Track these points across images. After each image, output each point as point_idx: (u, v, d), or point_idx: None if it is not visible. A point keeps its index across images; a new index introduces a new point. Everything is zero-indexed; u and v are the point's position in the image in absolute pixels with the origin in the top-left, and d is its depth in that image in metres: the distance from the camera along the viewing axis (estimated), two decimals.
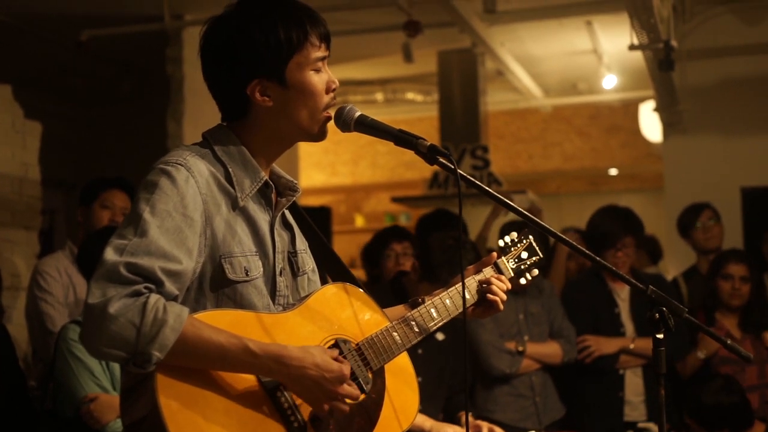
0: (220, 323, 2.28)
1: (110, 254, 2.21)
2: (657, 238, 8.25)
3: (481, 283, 2.83)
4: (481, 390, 5.35)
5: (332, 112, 2.56)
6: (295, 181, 2.64)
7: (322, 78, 2.52)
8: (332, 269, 2.77)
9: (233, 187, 2.44)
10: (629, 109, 12.61)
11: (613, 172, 13.99)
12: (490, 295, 2.81)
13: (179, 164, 2.36)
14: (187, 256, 2.30)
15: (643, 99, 11.08)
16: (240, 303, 2.41)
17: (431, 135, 11.93)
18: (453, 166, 2.49)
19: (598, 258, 2.69)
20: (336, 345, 2.49)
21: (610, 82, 11.24)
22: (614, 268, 2.72)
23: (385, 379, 2.58)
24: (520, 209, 2.58)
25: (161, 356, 2.16)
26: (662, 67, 6.67)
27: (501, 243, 3.06)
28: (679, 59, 7.67)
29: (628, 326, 5.56)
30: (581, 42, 10.21)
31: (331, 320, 2.54)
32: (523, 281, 3.04)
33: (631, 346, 5.46)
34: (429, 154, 2.52)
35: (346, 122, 2.57)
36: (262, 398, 2.34)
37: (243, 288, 2.41)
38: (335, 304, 2.59)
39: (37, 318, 5.19)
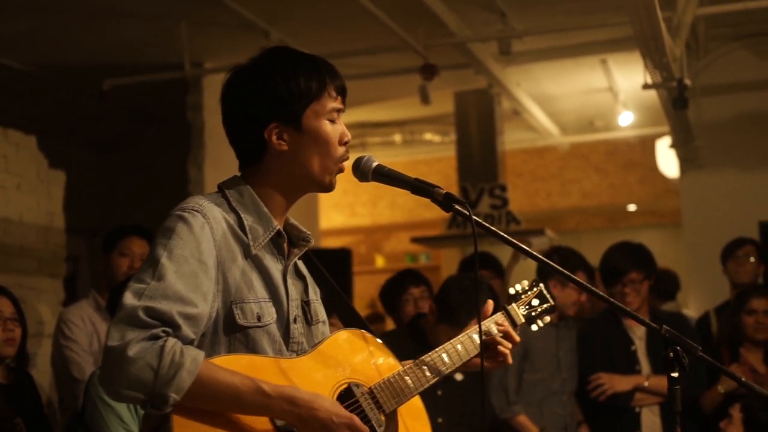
0: (236, 367, 2.34)
1: (129, 298, 2.29)
2: (674, 273, 8.26)
3: (493, 329, 2.89)
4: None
5: (344, 165, 2.63)
6: (308, 232, 2.70)
7: (336, 129, 2.60)
8: (344, 315, 2.84)
9: (246, 236, 2.51)
10: (646, 145, 12.65)
11: (632, 208, 14.00)
12: (500, 348, 2.87)
13: (195, 210, 2.44)
14: (203, 301, 2.36)
15: (659, 135, 11.12)
16: (252, 348, 2.46)
17: (449, 175, 12.01)
18: (468, 213, 2.55)
19: (611, 299, 2.74)
20: (349, 389, 2.55)
21: (626, 119, 11.28)
22: (628, 309, 2.77)
23: (398, 421, 2.63)
24: (533, 252, 2.64)
25: (178, 398, 2.23)
26: (676, 105, 6.73)
27: (512, 291, 3.13)
28: (693, 96, 7.74)
29: (645, 364, 5.57)
30: (597, 80, 10.28)
31: (343, 365, 2.59)
32: (534, 327, 3.10)
33: (646, 383, 5.48)
34: (445, 202, 2.59)
35: (364, 172, 2.64)
36: None
37: (255, 333, 2.47)
38: (347, 349, 2.64)
39: (63, 366, 5.27)
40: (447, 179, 12.43)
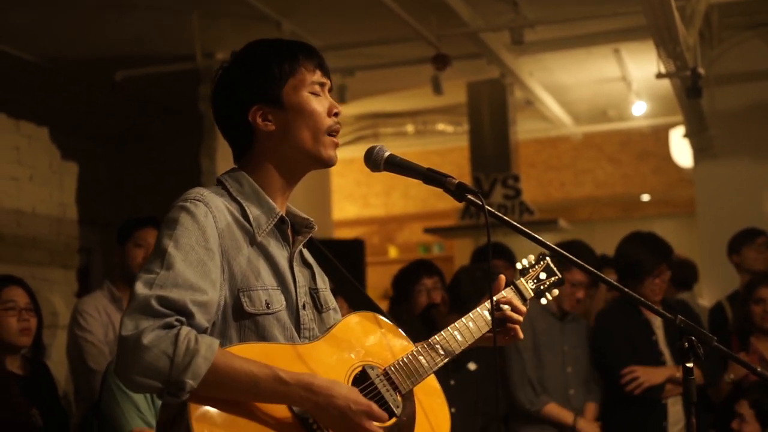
0: (251, 354, 2.34)
1: (140, 288, 2.29)
2: (693, 263, 8.24)
3: (500, 303, 2.87)
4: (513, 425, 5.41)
5: (337, 138, 2.63)
6: (311, 219, 2.71)
7: (321, 101, 2.61)
8: (355, 300, 2.84)
9: (250, 224, 2.52)
10: (660, 135, 12.61)
11: (646, 198, 13.96)
12: (510, 324, 2.86)
13: (197, 200, 2.45)
14: (212, 288, 2.37)
15: (673, 125, 11.09)
16: (263, 336, 2.47)
17: (462, 165, 11.99)
18: (481, 203, 2.54)
19: (628, 290, 2.73)
20: (364, 371, 2.55)
21: (639, 108, 11.25)
22: (643, 299, 2.76)
23: (414, 401, 2.62)
24: (545, 242, 2.63)
25: (195, 384, 2.23)
26: (690, 94, 6.70)
27: (519, 265, 3.12)
28: (707, 85, 7.71)
29: (666, 354, 5.53)
30: (610, 69, 10.25)
31: (357, 348, 2.59)
32: (544, 301, 3.10)
33: (678, 374, 5.43)
34: (457, 191, 2.57)
35: (376, 162, 2.63)
36: (295, 429, 2.39)
37: (264, 321, 2.48)
38: (360, 332, 2.64)
39: (79, 357, 5.28)
40: (460, 169, 12.42)
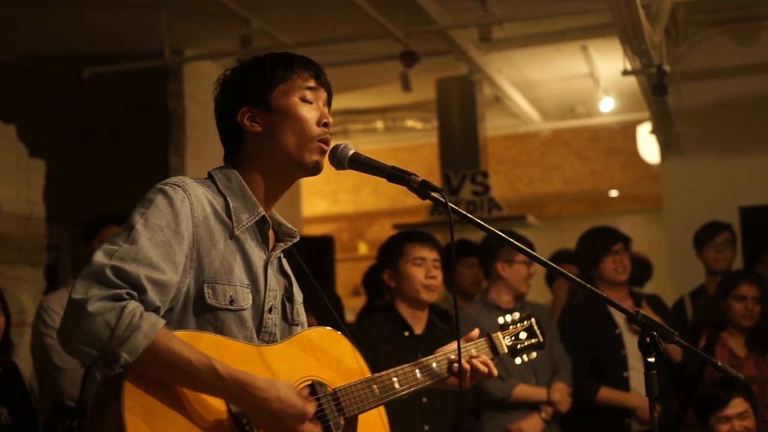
0: (198, 343, 2.34)
1: (99, 256, 2.30)
2: (648, 260, 8.30)
3: (470, 357, 2.90)
4: (487, 411, 5.39)
5: (326, 147, 2.63)
6: (294, 229, 2.72)
7: (311, 109, 2.62)
8: (323, 316, 2.85)
9: (231, 219, 2.53)
10: (627, 131, 12.69)
11: (614, 193, 14.05)
12: (473, 373, 2.88)
13: (177, 185, 2.47)
14: (173, 270, 2.37)
15: (640, 121, 11.16)
16: (220, 330, 2.46)
17: (432, 162, 12.03)
18: (444, 201, 2.56)
19: (590, 286, 2.76)
20: (312, 386, 2.53)
21: (607, 105, 11.32)
22: (604, 295, 2.79)
23: (357, 428, 2.60)
24: (509, 239, 2.66)
25: (129, 359, 2.22)
26: (655, 91, 6.75)
27: (501, 320, 3.12)
28: (673, 81, 7.76)
29: (630, 346, 5.56)
30: (578, 66, 10.30)
31: (311, 362, 2.58)
32: (518, 361, 3.10)
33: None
34: (421, 189, 2.58)
35: (340, 160, 2.65)
36: (228, 426, 2.38)
37: (224, 316, 2.47)
38: (319, 347, 2.63)
39: (44, 354, 5.25)
40: (429, 166, 12.46)
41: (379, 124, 12.47)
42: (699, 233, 6.82)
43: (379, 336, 4.64)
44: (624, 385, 5.54)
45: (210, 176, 2.63)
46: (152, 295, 2.32)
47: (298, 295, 2.74)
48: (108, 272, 2.26)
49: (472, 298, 6.23)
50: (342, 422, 2.57)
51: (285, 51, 2.72)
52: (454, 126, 10.55)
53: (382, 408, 2.72)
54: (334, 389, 2.57)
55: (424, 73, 9.36)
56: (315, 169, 2.64)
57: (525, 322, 3.13)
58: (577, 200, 14.28)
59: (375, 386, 2.65)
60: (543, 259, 2.71)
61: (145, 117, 9.98)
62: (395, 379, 2.72)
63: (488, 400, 5.34)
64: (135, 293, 2.28)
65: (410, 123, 12.51)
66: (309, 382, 2.54)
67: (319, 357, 2.61)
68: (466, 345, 2.93)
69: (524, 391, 5.32)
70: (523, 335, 3.10)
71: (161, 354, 2.26)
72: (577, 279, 2.73)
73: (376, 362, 4.48)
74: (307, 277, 2.81)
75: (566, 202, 14.35)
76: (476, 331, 2.99)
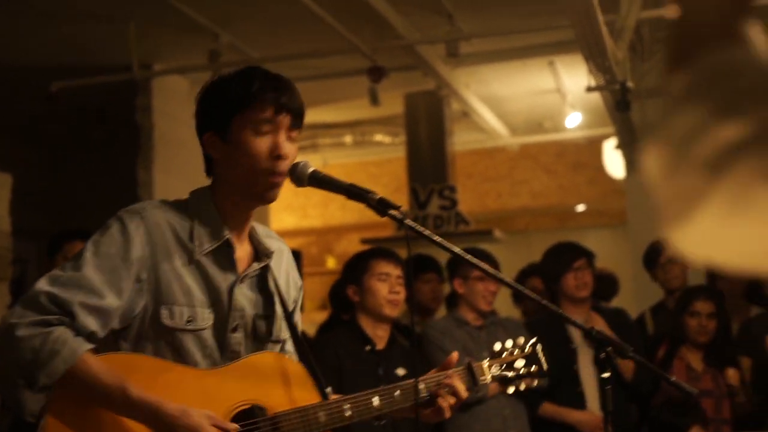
0: (118, 364, 2.41)
1: (41, 282, 2.40)
2: (614, 276, 8.37)
3: (442, 383, 2.84)
4: (452, 419, 5.40)
5: (279, 179, 2.65)
6: (272, 250, 2.75)
7: (263, 141, 2.61)
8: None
9: (193, 242, 2.58)
10: (594, 147, 12.77)
11: (581, 208, 14.13)
12: (440, 401, 2.82)
13: (135, 212, 2.54)
14: (116, 295, 2.44)
15: (607, 136, 11.24)
16: (178, 351, 2.52)
17: (400, 176, 12.07)
18: (401, 218, 2.60)
19: (543, 301, 2.80)
20: (252, 409, 2.55)
21: (574, 120, 11.40)
22: (555, 308, 2.84)
23: None
24: (463, 254, 2.70)
25: (48, 382, 2.31)
26: (619, 107, 6.82)
27: (496, 347, 3.08)
28: (638, 98, 7.83)
29: (583, 363, 5.60)
30: (545, 82, 10.37)
31: (254, 386, 2.58)
32: (511, 390, 3.04)
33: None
34: (379, 207, 2.63)
35: (299, 178, 2.68)
36: None
37: (182, 336, 2.53)
38: (267, 371, 2.63)
39: None
40: (398, 180, 12.50)
41: (348, 139, 12.49)
42: (645, 255, 6.84)
43: (342, 350, 4.68)
44: (577, 400, 5.58)
45: (190, 196, 2.69)
46: (84, 319, 2.39)
47: (280, 310, 2.75)
48: (42, 298, 2.35)
49: (432, 314, 6.26)
50: None
51: (255, 66, 2.71)
52: (422, 141, 10.60)
53: None
54: (275, 414, 2.56)
55: (393, 88, 9.40)
56: (268, 201, 2.69)
57: (526, 350, 3.06)
58: (544, 215, 14.35)
59: (321, 413, 2.62)
60: (497, 274, 2.76)
61: (113, 131, 9.96)
62: (347, 407, 2.68)
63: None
64: (67, 319, 2.36)
65: (379, 137, 12.54)
66: (248, 406, 2.55)
67: (264, 381, 2.61)
68: (435, 376, 2.87)
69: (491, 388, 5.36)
70: (520, 363, 3.03)
71: (79, 378, 2.34)
72: (530, 293, 2.78)
73: (338, 375, 4.53)
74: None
75: (534, 217, 14.41)
76: (455, 356, 2.94)
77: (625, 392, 5.67)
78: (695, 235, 0.70)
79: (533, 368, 3.05)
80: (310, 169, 2.69)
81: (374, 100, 8.70)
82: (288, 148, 2.65)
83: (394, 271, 4.78)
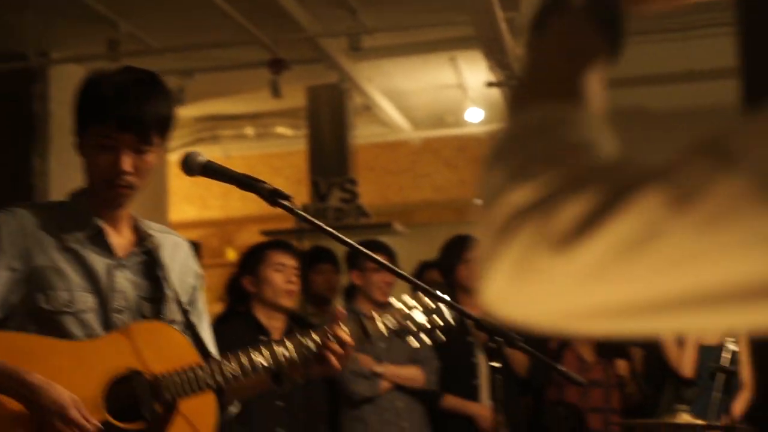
0: (5, 344, 2.52)
1: None
2: None
3: (327, 334, 2.83)
4: (346, 411, 5.43)
5: (123, 191, 2.71)
6: (151, 234, 2.83)
7: (106, 156, 2.69)
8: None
9: (67, 232, 2.68)
10: None
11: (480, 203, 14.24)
12: (328, 354, 2.81)
13: (5, 210, 2.68)
14: None
15: None
16: (61, 333, 2.58)
17: (302, 169, 12.03)
18: (292, 209, 2.62)
19: (436, 292, 2.84)
20: (128, 375, 2.60)
21: (475, 115, 11.49)
22: (447, 299, 2.88)
23: (175, 413, 2.63)
24: (353, 244, 2.72)
25: None
26: None
27: (395, 301, 3.02)
28: None
29: (482, 355, 5.68)
30: (446, 77, 10.43)
31: (133, 353, 2.62)
32: (415, 343, 2.98)
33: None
34: (270, 197, 2.64)
35: (191, 168, 2.70)
36: (23, 420, 2.48)
37: (63, 318, 2.59)
38: (144, 339, 2.67)
39: None
40: (300, 173, 12.47)
41: (249, 131, 12.42)
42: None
43: (237, 341, 4.67)
44: (473, 391, 5.65)
45: (69, 195, 2.82)
46: None
47: (170, 291, 2.79)
48: None
49: (327, 304, 6.28)
50: (159, 408, 2.61)
51: (113, 73, 2.74)
52: (324, 134, 10.58)
53: (210, 395, 2.71)
54: (154, 377, 2.61)
55: (295, 81, 9.37)
56: (117, 207, 2.77)
57: (426, 303, 2.98)
58: (446, 208, 14.43)
59: (200, 371, 2.67)
60: (391, 265, 2.78)
61: (8, 119, 9.77)
62: (229, 363, 2.72)
63: (358, 401, 5.39)
64: None
65: (281, 130, 12.50)
66: (126, 372, 2.60)
67: (142, 348, 2.64)
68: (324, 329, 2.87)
69: (392, 372, 5.40)
70: (421, 316, 2.97)
71: None
72: (421, 284, 2.81)
73: None
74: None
75: (435, 210, 14.49)
76: (341, 310, 2.96)
77: (518, 386, 5.76)
78: (493, 295, 0.75)
79: (434, 321, 2.99)
80: (202, 159, 2.70)
81: (276, 92, 8.67)
82: (134, 163, 2.70)
83: (290, 261, 4.83)
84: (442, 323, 3.00)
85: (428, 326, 2.98)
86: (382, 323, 2.94)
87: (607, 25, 0.92)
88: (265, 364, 2.76)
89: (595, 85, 0.89)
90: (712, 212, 0.66)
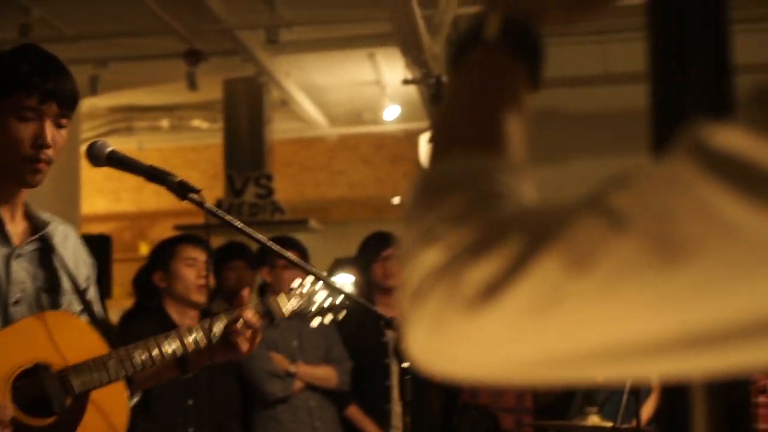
0: None
1: None
2: None
3: (233, 318, 2.79)
4: (259, 410, 5.38)
5: (41, 166, 2.57)
6: (47, 220, 2.70)
7: (27, 128, 2.55)
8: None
9: None
10: (412, 140, 12.89)
11: (397, 200, 14.26)
12: (235, 337, 2.78)
13: None
14: None
15: (424, 130, 11.36)
16: None
17: (218, 163, 11.93)
18: (201, 202, 2.55)
19: (346, 290, 2.79)
20: (34, 369, 2.50)
21: (392, 112, 11.48)
22: (358, 298, 2.83)
23: (87, 405, 2.57)
24: (264, 240, 2.66)
25: None
26: (433, 100, 6.91)
27: (296, 282, 3.00)
28: None
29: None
30: (365, 73, 10.42)
31: (36, 346, 2.54)
32: (315, 323, 2.99)
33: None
34: (179, 190, 2.57)
35: (97, 157, 2.62)
36: None
37: None
38: (49, 330, 2.58)
39: None
40: (215, 167, 12.36)
41: (164, 123, 12.28)
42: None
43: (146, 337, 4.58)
44: (386, 392, 5.62)
45: None
46: None
47: (68, 285, 2.70)
48: None
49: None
50: (69, 400, 2.53)
51: (28, 46, 2.65)
52: (240, 127, 10.49)
53: (121, 386, 2.65)
54: (62, 369, 2.53)
55: (212, 73, 9.27)
56: (31, 185, 2.62)
57: (322, 284, 2.97)
58: (362, 206, 14.44)
59: (110, 362, 2.59)
60: (301, 262, 2.73)
61: None
62: (136, 353, 2.64)
63: (271, 402, 5.33)
64: None
65: (197, 123, 12.38)
66: (32, 365, 2.51)
67: (47, 340, 2.56)
68: (225, 318, 2.81)
69: (305, 371, 5.36)
70: (319, 296, 2.96)
71: None
72: (332, 282, 2.76)
73: None
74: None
75: (352, 208, 14.49)
76: (246, 292, 2.93)
77: (430, 388, 5.74)
78: (416, 351, 0.77)
79: (335, 300, 2.98)
80: (109, 149, 2.62)
81: (192, 84, 8.58)
82: (53, 136, 2.59)
83: (202, 256, 4.75)
84: (343, 302, 3.01)
85: (330, 305, 2.99)
86: (286, 304, 2.94)
87: (526, 55, 0.90)
88: (176, 351, 2.70)
89: (517, 125, 0.86)
90: (609, 275, 0.68)
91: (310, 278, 2.97)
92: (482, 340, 0.73)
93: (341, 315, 3.01)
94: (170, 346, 2.70)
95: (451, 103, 0.91)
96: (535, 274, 0.70)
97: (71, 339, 2.61)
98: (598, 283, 0.68)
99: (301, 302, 2.97)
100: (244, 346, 2.79)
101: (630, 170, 0.72)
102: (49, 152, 2.57)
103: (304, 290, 2.98)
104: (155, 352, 2.67)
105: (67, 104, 2.60)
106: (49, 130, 2.56)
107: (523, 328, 0.71)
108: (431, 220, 0.78)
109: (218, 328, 2.78)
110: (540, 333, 0.71)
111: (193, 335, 2.75)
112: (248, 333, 2.80)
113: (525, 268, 0.71)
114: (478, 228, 0.75)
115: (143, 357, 2.64)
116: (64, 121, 2.60)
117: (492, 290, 0.72)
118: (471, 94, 0.90)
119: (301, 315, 2.98)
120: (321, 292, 2.98)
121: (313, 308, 2.98)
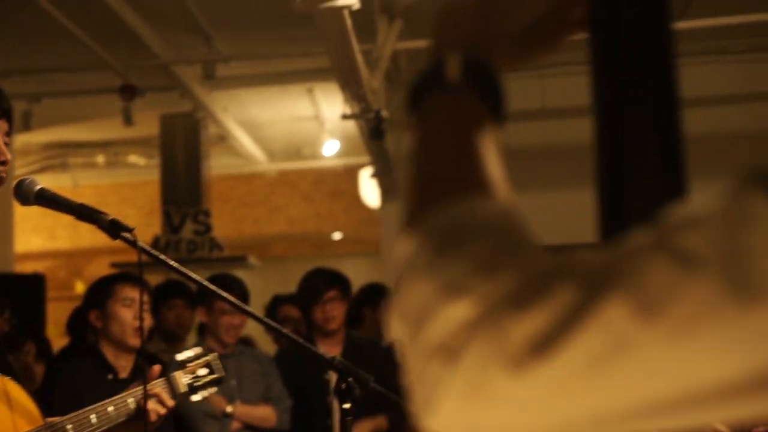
0: None
1: None
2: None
3: (148, 395, 2.83)
4: None
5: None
6: None
7: None
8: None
9: None
10: (351, 175, 12.88)
11: (337, 236, 14.23)
12: (150, 412, 2.84)
13: None
14: None
15: (363, 165, 11.34)
16: None
17: (154, 199, 11.80)
18: (134, 241, 2.49)
19: (286, 331, 2.74)
20: None
21: (331, 148, 11.46)
22: (298, 338, 2.78)
23: None
24: (199, 279, 2.60)
25: None
26: (373, 136, 6.87)
27: (180, 357, 3.10)
28: (393, 128, 7.92)
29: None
30: (303, 108, 10.38)
31: None
32: (197, 398, 3.10)
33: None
34: (111, 229, 2.50)
35: (25, 196, 2.54)
36: None
37: None
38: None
39: None
40: (152, 203, 12.23)
41: (100, 159, 12.13)
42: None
43: (82, 378, 4.46)
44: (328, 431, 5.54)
45: None
46: None
47: None
48: None
49: (180, 341, 6.11)
50: None
51: None
52: (177, 163, 10.37)
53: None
54: None
55: (148, 108, 9.17)
56: None
57: (205, 359, 3.12)
58: (301, 241, 14.38)
59: None
60: (240, 304, 2.67)
61: None
62: (69, 426, 2.62)
63: None
64: None
65: (133, 159, 12.25)
66: None
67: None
68: (142, 388, 2.82)
69: (242, 411, 5.29)
70: (202, 372, 3.08)
71: None
72: (272, 324, 2.72)
73: (76, 404, 4.31)
74: None
75: (291, 243, 14.43)
76: (157, 368, 2.95)
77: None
78: (444, 420, 0.70)
79: (213, 377, 3.13)
80: (38, 187, 2.55)
81: (128, 119, 8.47)
82: (7, 151, 2.52)
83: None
84: (215, 377, 3.16)
85: (208, 381, 3.13)
86: (182, 383, 3.04)
87: (490, 94, 0.87)
88: (100, 426, 2.71)
89: (496, 164, 0.83)
90: (685, 319, 0.65)
91: (191, 352, 3.10)
92: (528, 401, 0.67)
93: (212, 391, 3.14)
94: (95, 420, 2.72)
95: (424, 149, 0.86)
96: (597, 324, 0.66)
97: (7, 407, 2.53)
98: (672, 328, 0.65)
99: (192, 379, 3.07)
100: (155, 418, 2.86)
101: (690, 209, 0.69)
102: (3, 169, 2.52)
103: (193, 364, 3.10)
104: (85, 425, 2.68)
105: (11, 121, 2.56)
106: (3, 146, 2.51)
107: (579, 384, 0.66)
108: (454, 271, 0.72)
109: (132, 402, 2.83)
110: (597, 389, 0.66)
111: (114, 409, 2.78)
112: (161, 409, 2.88)
113: (583, 318, 0.66)
114: (514, 277, 0.70)
115: (77, 427, 2.64)
116: (9, 138, 2.55)
117: (544, 344, 0.67)
118: (444, 139, 0.86)
119: (192, 391, 3.08)
120: (203, 368, 3.12)
121: (197, 384, 3.09)
